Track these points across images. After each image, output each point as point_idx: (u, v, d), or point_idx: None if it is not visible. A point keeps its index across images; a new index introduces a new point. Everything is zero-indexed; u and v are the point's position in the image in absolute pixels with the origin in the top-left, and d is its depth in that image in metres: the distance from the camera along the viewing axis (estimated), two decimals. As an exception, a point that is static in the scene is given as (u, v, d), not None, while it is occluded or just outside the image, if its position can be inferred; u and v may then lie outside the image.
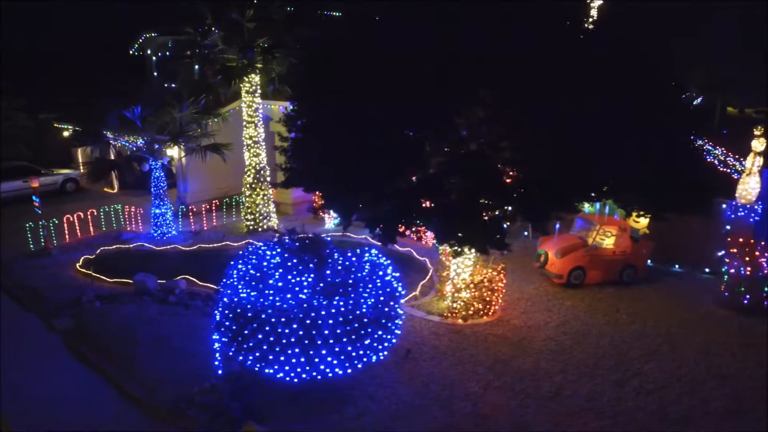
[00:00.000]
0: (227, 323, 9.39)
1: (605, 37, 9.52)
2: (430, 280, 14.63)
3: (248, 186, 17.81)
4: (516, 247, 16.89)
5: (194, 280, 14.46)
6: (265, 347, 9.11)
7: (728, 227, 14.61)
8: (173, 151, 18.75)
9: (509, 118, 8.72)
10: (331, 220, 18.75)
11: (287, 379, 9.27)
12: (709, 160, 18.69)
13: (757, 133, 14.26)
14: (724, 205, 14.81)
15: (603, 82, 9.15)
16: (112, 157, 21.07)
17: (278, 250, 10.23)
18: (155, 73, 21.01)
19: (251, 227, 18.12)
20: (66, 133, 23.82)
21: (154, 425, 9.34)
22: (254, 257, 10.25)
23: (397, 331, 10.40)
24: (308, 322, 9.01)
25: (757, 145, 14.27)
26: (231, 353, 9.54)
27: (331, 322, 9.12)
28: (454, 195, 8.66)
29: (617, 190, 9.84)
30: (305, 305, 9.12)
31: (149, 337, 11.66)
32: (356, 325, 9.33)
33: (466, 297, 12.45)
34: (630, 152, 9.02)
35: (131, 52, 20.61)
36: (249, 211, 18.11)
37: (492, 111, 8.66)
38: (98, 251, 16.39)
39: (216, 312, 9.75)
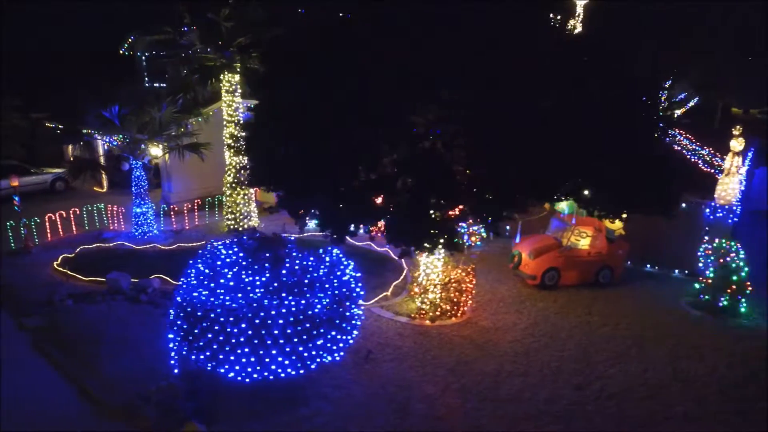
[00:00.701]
0: (179, 322, 9.38)
1: (564, 36, 9.32)
2: (404, 281, 14.53)
3: (229, 185, 17.81)
4: (494, 247, 16.90)
5: (168, 279, 14.46)
6: (215, 346, 9.08)
7: (707, 228, 14.37)
8: (157, 151, 18.80)
9: (463, 116, 8.61)
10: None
11: (239, 378, 9.24)
12: (694, 160, 18.42)
13: (735, 132, 14.01)
14: (703, 206, 14.58)
15: (559, 81, 9.01)
16: (101, 155, 21.20)
17: (234, 249, 10.21)
18: (145, 73, 21.08)
19: (232, 226, 18.13)
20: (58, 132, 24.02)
21: (107, 424, 9.32)
22: (210, 256, 10.22)
23: (354, 332, 10.34)
24: (257, 321, 8.97)
25: (736, 144, 14.03)
26: (184, 352, 9.51)
27: (281, 322, 9.07)
28: (405, 194, 8.56)
29: (575, 190, 9.68)
30: (255, 305, 9.08)
31: (115, 336, 11.68)
32: (308, 325, 9.28)
33: (434, 298, 12.34)
34: (586, 152, 8.87)
35: (122, 52, 20.72)
36: (230, 210, 18.12)
37: (446, 110, 8.56)
38: (78, 250, 16.46)
39: (171, 311, 9.73)
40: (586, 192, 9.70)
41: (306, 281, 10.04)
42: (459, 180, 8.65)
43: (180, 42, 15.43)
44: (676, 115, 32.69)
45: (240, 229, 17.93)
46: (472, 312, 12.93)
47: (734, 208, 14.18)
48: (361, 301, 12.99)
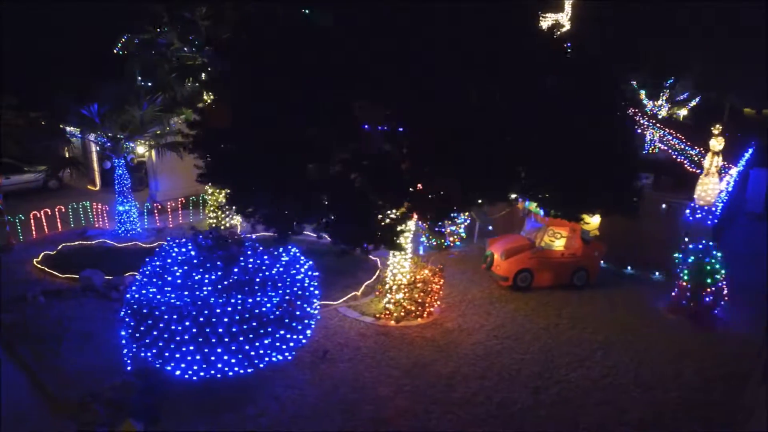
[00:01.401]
0: (127, 319, 9.38)
1: (517, 32, 9.11)
2: (377, 281, 14.39)
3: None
4: (473, 248, 16.69)
5: (142, 276, 14.49)
6: (161, 344, 9.07)
7: (687, 229, 14.01)
8: (142, 149, 18.92)
9: (410, 115, 8.48)
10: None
11: (186, 376, 9.22)
12: (680, 160, 18.00)
13: (714, 131, 13.63)
14: (683, 206, 14.22)
15: (508, 79, 8.82)
16: (94, 153, 21.39)
17: (189, 247, 10.18)
18: (138, 73, 21.22)
19: (214, 225, 18.15)
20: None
21: (57, 420, 9.34)
22: (164, 254, 10.22)
23: (307, 332, 10.26)
24: (202, 319, 8.93)
25: (715, 144, 13.66)
26: (134, 349, 9.52)
27: (226, 320, 9.03)
28: (350, 193, 8.45)
29: (526, 188, 9.47)
30: (200, 303, 9.04)
31: (79, 332, 11.75)
32: (254, 324, 9.23)
33: (399, 298, 12.19)
34: (535, 151, 8.67)
35: (116, 51, 20.89)
36: (212, 209, 18.16)
37: (393, 110, 8.45)
38: (59, 247, 16.61)
39: (122, 308, 9.75)
40: (541, 192, 9.47)
41: (258, 280, 9.97)
42: (405, 180, 8.49)
43: (158, 41, 15.49)
44: (678, 116, 32.12)
45: (222, 227, 17.96)
46: (440, 313, 12.76)
47: (714, 208, 13.79)
48: (329, 301, 13.14)
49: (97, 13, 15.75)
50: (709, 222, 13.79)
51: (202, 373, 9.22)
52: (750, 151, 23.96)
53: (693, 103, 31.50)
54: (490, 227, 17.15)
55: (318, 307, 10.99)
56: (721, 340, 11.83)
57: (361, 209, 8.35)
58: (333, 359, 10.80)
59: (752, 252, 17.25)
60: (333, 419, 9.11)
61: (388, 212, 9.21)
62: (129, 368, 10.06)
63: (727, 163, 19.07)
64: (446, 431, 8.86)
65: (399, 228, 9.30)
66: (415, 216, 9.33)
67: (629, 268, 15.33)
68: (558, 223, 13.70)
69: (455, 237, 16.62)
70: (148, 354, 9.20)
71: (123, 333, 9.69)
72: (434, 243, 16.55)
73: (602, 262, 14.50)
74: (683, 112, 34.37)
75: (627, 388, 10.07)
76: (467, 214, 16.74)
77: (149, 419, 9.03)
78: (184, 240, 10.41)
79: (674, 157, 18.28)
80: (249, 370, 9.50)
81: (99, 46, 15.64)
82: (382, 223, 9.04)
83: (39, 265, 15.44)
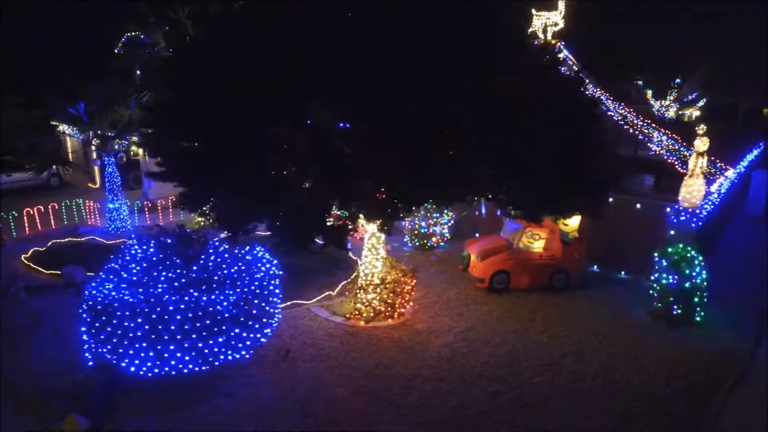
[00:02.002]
0: (84, 315, 9.48)
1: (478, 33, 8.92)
2: (354, 280, 14.31)
3: (199, 182, 17.99)
4: (458, 248, 16.46)
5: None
6: (115, 340, 9.16)
7: (671, 232, 13.60)
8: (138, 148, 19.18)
9: (364, 115, 8.39)
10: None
11: (140, 373, 9.28)
12: (671, 161, 17.53)
13: (699, 131, 13.21)
14: (668, 209, 13.81)
15: (460, 78, 8.65)
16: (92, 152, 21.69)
17: (149, 246, 10.24)
18: (138, 72, 21.51)
19: (203, 223, 18.27)
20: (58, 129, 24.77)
21: (16, 416, 9.45)
22: (127, 252, 10.31)
23: (265, 330, 10.25)
24: (154, 317, 8.97)
25: (700, 144, 13.21)
26: (92, 345, 9.61)
27: (179, 317, 9.05)
28: (300, 192, 8.39)
29: (483, 189, 9.28)
30: (153, 300, 9.07)
31: (52, 327, 11.92)
32: (208, 321, 9.24)
33: (369, 298, 12.10)
34: (491, 151, 8.49)
35: (117, 51, 21.23)
36: (200, 207, 18.30)
37: (347, 108, 8.38)
38: (49, 243, 16.91)
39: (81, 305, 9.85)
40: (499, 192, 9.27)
41: (216, 278, 9.99)
42: (356, 179, 8.38)
43: (144, 40, 15.67)
44: (686, 116, 31.36)
45: (211, 225, 18.07)
46: (413, 314, 12.63)
47: (698, 211, 13.36)
48: (302, 300, 13.10)
49: (84, 13, 16.00)
50: (693, 225, 13.36)
51: (156, 370, 9.28)
52: (755, 152, 23.27)
53: (701, 104, 30.72)
54: (477, 234, 16.93)
55: (279, 306, 11.00)
56: (698, 347, 11.44)
57: (307, 209, 8.26)
58: (295, 359, 10.75)
59: (748, 256, 16.72)
60: (285, 419, 9.06)
61: (337, 212, 9.11)
62: (91, 363, 10.18)
63: (724, 164, 18.58)
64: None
65: (350, 227, 9.17)
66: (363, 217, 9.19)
67: (617, 270, 14.99)
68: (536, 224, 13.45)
69: (438, 237, 16.45)
70: (104, 350, 9.29)
71: (84, 329, 9.81)
72: (417, 243, 16.43)
73: (588, 264, 14.19)
74: (696, 113, 33.58)
75: (593, 395, 9.80)
76: (451, 215, 16.59)
77: (104, 415, 9.08)
78: (146, 238, 10.49)
79: (666, 157, 17.80)
80: (204, 368, 9.54)
81: (86, 45, 15.87)
82: (331, 223, 8.94)
83: (26, 261, 15.74)
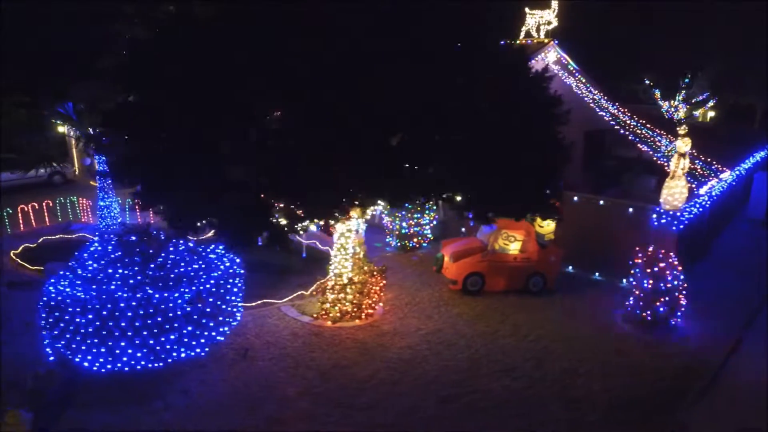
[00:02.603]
0: (40, 311, 9.64)
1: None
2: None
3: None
4: (437, 249, 16.28)
5: (105, 270, 14.88)
6: (68, 336, 9.29)
7: (653, 236, 13.22)
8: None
9: (309, 114, 8.35)
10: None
11: (94, 368, 9.41)
12: (661, 162, 17.03)
13: (680, 132, 12.80)
14: (650, 211, 13.42)
15: (398, 71, 8.51)
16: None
17: (110, 243, 10.38)
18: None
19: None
20: (61, 129, 25.30)
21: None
22: (84, 249, 10.47)
23: (222, 329, 10.29)
24: (105, 313, 9.07)
25: (681, 145, 12.79)
26: (50, 341, 9.77)
27: (130, 314, 9.14)
28: (247, 192, 8.38)
29: (430, 189, 9.12)
30: (104, 296, 9.18)
31: (21, 322, 12.10)
32: (160, 319, 9.31)
33: (335, 299, 12.04)
34: (434, 151, 8.36)
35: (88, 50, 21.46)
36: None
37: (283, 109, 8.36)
38: (40, 240, 17.29)
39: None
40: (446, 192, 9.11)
41: (173, 276, 10.07)
42: (297, 179, 8.32)
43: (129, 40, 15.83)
44: (695, 117, 30.52)
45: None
46: (382, 315, 12.53)
47: (680, 214, 12.94)
48: (274, 299, 13.11)
49: (69, 13, 16.25)
50: (674, 228, 12.95)
51: (109, 366, 9.40)
52: (762, 153, 22.53)
53: (711, 104, 29.86)
54: (463, 229, 16.73)
55: (240, 304, 11.03)
56: (670, 354, 11.10)
57: (250, 209, 8.24)
58: (254, 357, 10.75)
59: (740, 262, 16.20)
60: (233, 417, 9.06)
61: (280, 212, 9.06)
62: (52, 359, 10.36)
63: (720, 166, 18.02)
64: (337, 435, 8.66)
65: (298, 226, 9.11)
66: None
67: (600, 274, 14.67)
68: (512, 226, 13.23)
69: (420, 238, 16.31)
70: (57, 345, 9.45)
71: (43, 325, 9.98)
72: (399, 244, 16.32)
73: (571, 267, 13.89)
74: (711, 114, 32.68)
75: (549, 402, 9.56)
76: (433, 215, 16.43)
77: (56, 410, 9.22)
78: (108, 236, 10.64)
79: (656, 158, 17.33)
80: (158, 365, 9.62)
81: (71, 45, 16.11)
82: (277, 223, 8.90)
83: (15, 257, 16.11)
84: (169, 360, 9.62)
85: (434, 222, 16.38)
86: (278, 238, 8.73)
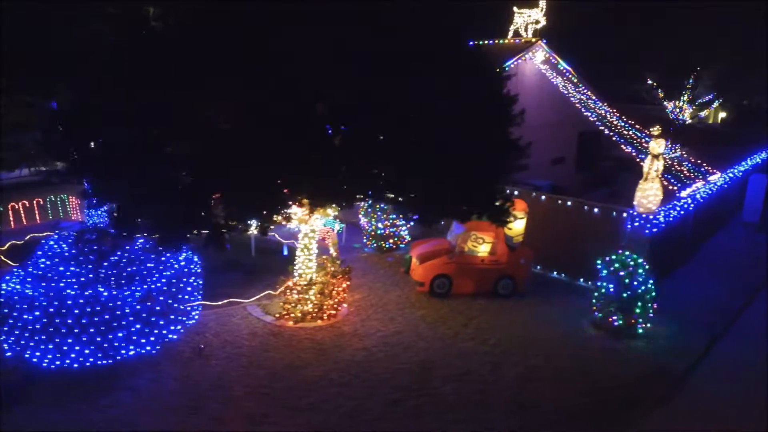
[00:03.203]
0: (-6, 308, 9.80)
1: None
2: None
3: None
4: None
5: (84, 267, 15.10)
6: (17, 332, 9.41)
7: (627, 239, 12.92)
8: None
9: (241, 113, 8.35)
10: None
11: (43, 365, 9.52)
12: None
13: (654, 132, 12.48)
14: (624, 214, 13.12)
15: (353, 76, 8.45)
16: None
17: (64, 241, 10.52)
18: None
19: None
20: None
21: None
22: (46, 248, 10.62)
23: (174, 327, 10.33)
24: (52, 310, 9.18)
25: (655, 146, 12.51)
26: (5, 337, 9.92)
27: (77, 311, 9.23)
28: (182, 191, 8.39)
29: (377, 190, 8.99)
30: (52, 294, 9.29)
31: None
32: (107, 316, 9.39)
33: (296, 299, 12.01)
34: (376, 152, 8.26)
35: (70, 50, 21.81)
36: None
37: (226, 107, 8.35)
38: (27, 237, 17.61)
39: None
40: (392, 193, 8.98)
41: (125, 274, 10.16)
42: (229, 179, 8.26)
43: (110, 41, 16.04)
44: (700, 116, 29.77)
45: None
46: (345, 315, 12.46)
47: (653, 217, 12.62)
48: (241, 299, 13.12)
49: (50, 14, 16.52)
50: (647, 231, 12.63)
51: (57, 362, 9.51)
52: (763, 155, 21.87)
53: (716, 104, 29.08)
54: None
55: (196, 303, 11.07)
56: (632, 361, 10.81)
57: (185, 207, 8.24)
58: (209, 356, 10.76)
59: (727, 267, 15.72)
60: (176, 415, 9.06)
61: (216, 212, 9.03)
62: (9, 354, 10.52)
63: (710, 168, 17.54)
64: (276, 436, 8.60)
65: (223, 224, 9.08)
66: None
67: (576, 278, 14.38)
68: (482, 227, 13.04)
69: (396, 239, 16.19)
70: (9, 342, 9.59)
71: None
72: (375, 245, 16.24)
73: (543, 269, 13.64)
74: (722, 115, 31.84)
75: (498, 407, 9.37)
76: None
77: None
78: (65, 234, 10.79)
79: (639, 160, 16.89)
80: (106, 362, 9.71)
81: (55, 45, 16.37)
82: (215, 223, 8.87)
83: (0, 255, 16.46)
84: (118, 357, 9.70)
85: (411, 223, 16.24)
86: (215, 238, 8.70)
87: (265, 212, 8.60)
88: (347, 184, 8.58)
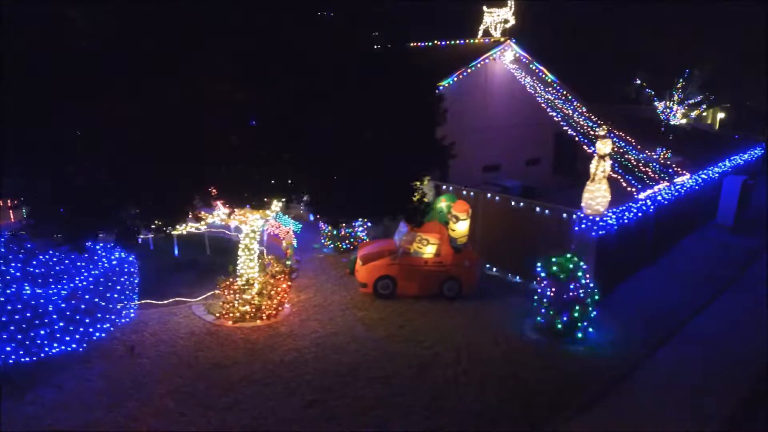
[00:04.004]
0: None
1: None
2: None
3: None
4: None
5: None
6: (-61, 330, 9.58)
7: (575, 242, 12.70)
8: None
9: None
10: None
11: (-33, 362, 9.65)
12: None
13: (600, 132, 12.25)
14: (574, 216, 12.89)
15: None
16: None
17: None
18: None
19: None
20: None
21: None
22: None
23: (100, 325, 10.42)
24: (-30, 308, 9.32)
25: (601, 147, 12.26)
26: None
27: (-3, 309, 9.36)
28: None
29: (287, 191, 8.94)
30: (-29, 292, 9.44)
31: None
32: (29, 314, 9.51)
33: (233, 299, 12.06)
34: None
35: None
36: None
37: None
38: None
39: None
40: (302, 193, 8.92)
41: (53, 273, 10.29)
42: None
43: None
44: (692, 118, 29.16)
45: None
46: (286, 316, 12.47)
47: (599, 219, 12.38)
48: (190, 298, 13.21)
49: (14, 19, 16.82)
50: (593, 233, 12.39)
51: (-21, 359, 9.66)
52: (746, 155, 21.34)
53: (705, 106, 28.45)
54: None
55: (134, 302, 11.14)
56: (566, 366, 10.60)
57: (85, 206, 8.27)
58: (141, 354, 10.85)
59: (690, 272, 15.35)
60: (94, 412, 9.14)
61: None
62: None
63: (680, 169, 17.18)
64: (185, 434, 8.62)
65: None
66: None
67: (518, 277, 14.22)
68: (427, 229, 12.96)
69: (353, 240, 16.14)
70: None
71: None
72: (332, 246, 16.23)
73: (495, 269, 13.47)
74: (720, 115, 31.13)
75: (413, 411, 9.25)
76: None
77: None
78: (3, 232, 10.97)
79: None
80: (30, 359, 9.84)
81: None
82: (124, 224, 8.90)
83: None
84: (42, 355, 9.82)
85: (369, 224, 16.19)
86: (124, 239, 8.72)
87: (167, 212, 8.59)
88: (249, 183, 8.54)
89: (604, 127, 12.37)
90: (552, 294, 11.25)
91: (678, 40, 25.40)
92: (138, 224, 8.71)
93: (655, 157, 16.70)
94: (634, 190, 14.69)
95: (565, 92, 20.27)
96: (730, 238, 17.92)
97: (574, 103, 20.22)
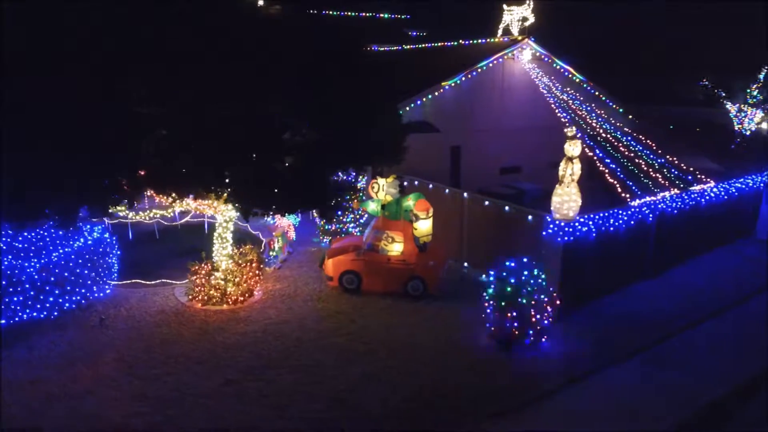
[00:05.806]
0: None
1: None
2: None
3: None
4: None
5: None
6: None
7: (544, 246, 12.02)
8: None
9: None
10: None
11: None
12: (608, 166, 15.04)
13: (569, 133, 11.50)
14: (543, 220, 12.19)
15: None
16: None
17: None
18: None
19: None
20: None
21: None
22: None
23: (72, 297, 11.58)
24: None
25: (569, 148, 11.51)
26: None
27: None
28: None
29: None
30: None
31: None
32: (4, 282, 10.89)
33: (200, 283, 12.84)
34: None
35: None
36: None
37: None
38: None
39: None
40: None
41: (33, 248, 11.64)
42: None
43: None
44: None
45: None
46: (252, 302, 13.04)
47: (566, 225, 11.57)
48: (173, 280, 14.19)
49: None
50: (559, 239, 11.62)
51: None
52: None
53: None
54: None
55: (108, 281, 12.19)
56: (502, 374, 10.10)
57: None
58: (110, 326, 11.93)
59: (703, 288, 13.81)
60: (46, 370, 10.13)
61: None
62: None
63: (705, 177, 15.52)
64: (99, 405, 9.14)
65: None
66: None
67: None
68: (392, 227, 12.96)
69: (344, 235, 16.36)
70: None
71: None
72: (324, 239, 16.60)
73: (467, 266, 13.10)
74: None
75: (317, 400, 9.31)
76: (359, 214, 16.40)
77: None
78: None
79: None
80: (7, 321, 11.22)
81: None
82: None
83: None
84: (16, 319, 11.14)
85: (361, 220, 16.34)
86: (63, 221, 9.53)
87: (82, 198, 9.29)
88: (166, 173, 9.10)
89: (572, 128, 11.59)
90: (504, 299, 10.73)
91: (743, 37, 22.65)
92: (72, 208, 9.54)
93: (675, 162, 15.12)
94: (628, 196, 13.53)
95: (597, 93, 19.01)
96: (766, 255, 15.81)
97: (611, 105, 18.93)
